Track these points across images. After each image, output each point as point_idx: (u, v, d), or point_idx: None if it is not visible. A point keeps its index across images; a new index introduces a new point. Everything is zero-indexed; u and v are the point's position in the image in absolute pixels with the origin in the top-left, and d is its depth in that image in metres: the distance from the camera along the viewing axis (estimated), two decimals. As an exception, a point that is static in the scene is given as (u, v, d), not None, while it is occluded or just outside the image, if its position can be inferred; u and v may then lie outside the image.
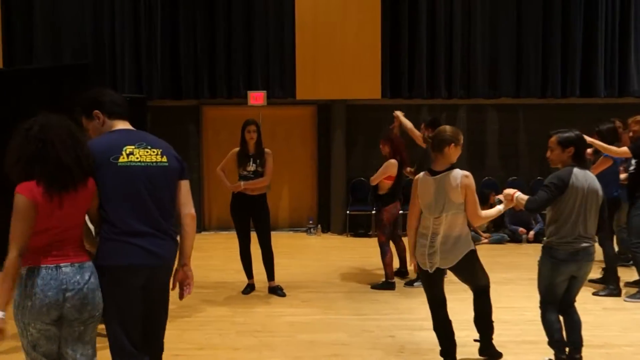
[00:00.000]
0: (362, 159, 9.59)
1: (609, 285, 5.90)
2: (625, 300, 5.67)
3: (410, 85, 9.62)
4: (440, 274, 3.97)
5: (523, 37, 9.59)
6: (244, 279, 6.06)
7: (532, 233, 8.74)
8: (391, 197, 6.15)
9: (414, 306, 5.54)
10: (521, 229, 8.76)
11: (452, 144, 3.88)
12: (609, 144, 5.73)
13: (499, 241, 8.72)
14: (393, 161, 6.05)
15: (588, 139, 5.76)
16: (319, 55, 9.32)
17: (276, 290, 5.94)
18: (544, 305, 3.97)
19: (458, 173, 3.84)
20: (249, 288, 6.00)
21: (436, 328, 4.07)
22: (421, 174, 4.00)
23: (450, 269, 3.95)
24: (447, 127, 4.01)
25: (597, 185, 3.87)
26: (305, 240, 9.40)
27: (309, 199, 10.07)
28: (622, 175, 6.04)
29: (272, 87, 9.53)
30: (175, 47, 9.50)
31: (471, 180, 3.84)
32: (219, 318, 5.21)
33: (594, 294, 5.91)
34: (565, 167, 3.86)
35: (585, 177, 3.81)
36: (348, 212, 9.52)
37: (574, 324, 3.97)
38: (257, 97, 9.37)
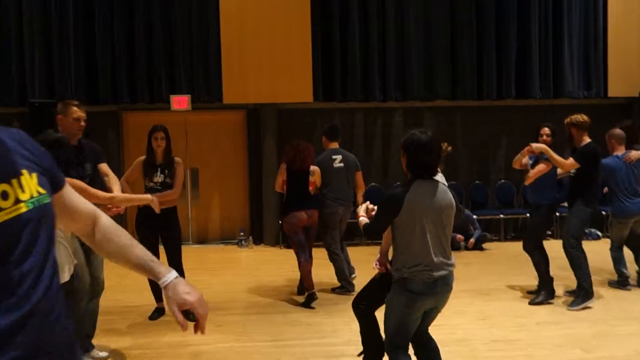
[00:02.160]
0: (295, 166, 9.13)
1: (542, 291, 5.63)
2: (568, 309, 5.39)
3: (344, 88, 9.19)
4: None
5: (458, 39, 9.32)
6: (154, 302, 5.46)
7: (471, 240, 8.44)
8: (287, 205, 5.91)
9: (338, 327, 5.07)
10: (459, 236, 8.40)
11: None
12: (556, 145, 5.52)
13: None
14: (282, 165, 6.02)
15: (541, 146, 5.42)
16: (246, 57, 8.80)
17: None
18: (394, 351, 3.27)
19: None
20: (157, 313, 5.40)
21: None
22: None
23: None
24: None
25: (448, 198, 3.17)
26: (236, 253, 8.83)
27: (240, 209, 9.52)
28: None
29: (197, 91, 8.94)
30: (91, 48, 8.80)
31: None
32: (114, 351, 4.60)
33: (530, 303, 5.61)
34: (407, 180, 3.21)
35: (430, 192, 3.13)
36: (281, 222, 8.99)
37: (433, 353, 3.42)
38: (180, 102, 8.79)
